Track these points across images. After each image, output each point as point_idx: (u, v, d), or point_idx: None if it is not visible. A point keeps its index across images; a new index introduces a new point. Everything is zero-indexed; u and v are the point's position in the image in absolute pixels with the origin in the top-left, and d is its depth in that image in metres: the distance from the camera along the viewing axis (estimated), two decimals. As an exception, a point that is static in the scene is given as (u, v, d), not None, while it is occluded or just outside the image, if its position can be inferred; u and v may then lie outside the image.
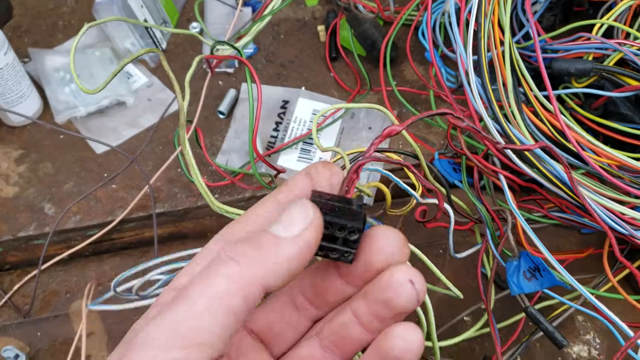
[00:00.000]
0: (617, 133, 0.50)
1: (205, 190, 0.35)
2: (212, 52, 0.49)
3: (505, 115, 0.46)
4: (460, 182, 0.50)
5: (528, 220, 0.48)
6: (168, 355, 0.21)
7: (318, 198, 0.24)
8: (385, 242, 0.25)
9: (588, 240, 0.54)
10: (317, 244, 0.23)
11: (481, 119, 0.46)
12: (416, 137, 0.59)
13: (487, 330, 0.50)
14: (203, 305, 0.21)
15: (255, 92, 0.41)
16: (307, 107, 0.60)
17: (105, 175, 0.58)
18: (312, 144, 0.58)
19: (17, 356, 0.48)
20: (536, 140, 0.44)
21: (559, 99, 0.54)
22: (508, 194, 0.44)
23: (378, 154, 0.28)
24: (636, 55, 0.49)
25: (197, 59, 0.50)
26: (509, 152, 0.44)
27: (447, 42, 0.60)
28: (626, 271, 0.50)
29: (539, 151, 0.43)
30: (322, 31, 0.66)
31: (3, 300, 0.53)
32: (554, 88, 0.54)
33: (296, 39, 0.67)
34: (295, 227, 0.23)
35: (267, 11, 0.55)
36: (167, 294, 0.24)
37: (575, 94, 0.54)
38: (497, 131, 0.44)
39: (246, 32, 0.55)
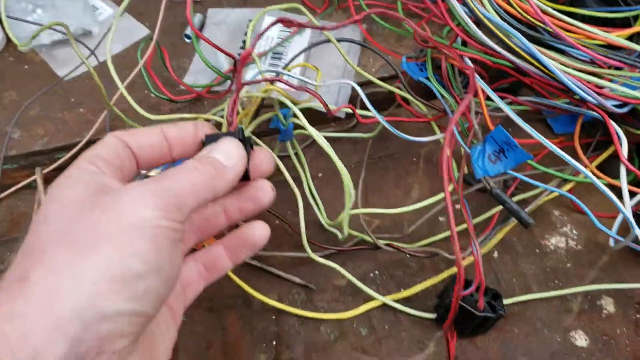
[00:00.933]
0: (588, 22, 0.50)
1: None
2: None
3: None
4: (427, 78, 0.50)
5: (496, 108, 0.48)
6: (155, 202, 0.27)
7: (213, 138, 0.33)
8: (261, 161, 0.36)
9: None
10: (243, 172, 0.33)
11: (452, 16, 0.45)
12: (388, 50, 0.58)
13: (464, 226, 0.50)
14: (187, 188, 0.28)
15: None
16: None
17: (73, 100, 0.57)
18: (280, 58, 0.57)
19: (-16, 273, 0.47)
20: (504, 20, 0.44)
21: None
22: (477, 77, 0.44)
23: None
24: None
25: None
26: (478, 32, 0.44)
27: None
28: (598, 160, 0.50)
29: (507, 27, 0.43)
30: (289, -43, 0.65)
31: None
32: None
33: (263, -34, 0.66)
34: (233, 160, 0.32)
35: None
36: (92, 160, 0.30)
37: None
38: (465, 13, 0.44)
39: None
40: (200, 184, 0.29)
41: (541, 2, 0.51)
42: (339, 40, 0.47)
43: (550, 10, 0.45)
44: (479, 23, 0.44)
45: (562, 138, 0.52)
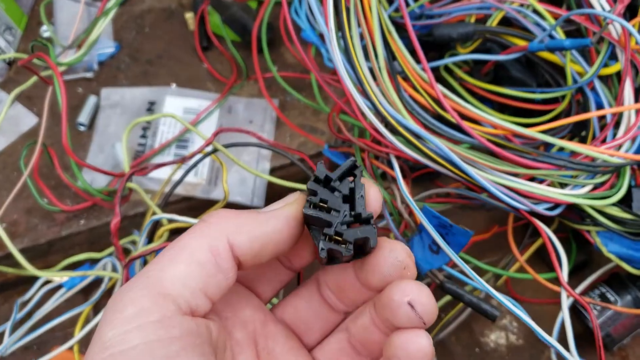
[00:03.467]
0: (510, 99, 0.46)
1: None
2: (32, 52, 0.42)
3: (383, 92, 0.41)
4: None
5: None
6: (139, 306, 0.21)
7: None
8: (384, 260, 0.25)
9: (496, 216, 0.50)
10: (296, 220, 0.24)
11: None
12: (302, 127, 0.53)
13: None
14: (167, 258, 0.23)
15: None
16: (177, 106, 0.53)
17: (-50, 213, 0.50)
18: (186, 146, 0.51)
19: None
20: (414, 117, 0.39)
21: (447, 69, 0.49)
22: (397, 167, 0.39)
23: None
24: (518, 12, 0.45)
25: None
26: (391, 137, 0.39)
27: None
28: (536, 245, 0.47)
29: (419, 129, 0.38)
30: (191, 19, 0.59)
31: None
32: (441, 56, 0.49)
33: (163, 31, 0.59)
34: (277, 205, 0.25)
35: (109, 4, 0.47)
36: None
37: (465, 61, 0.49)
38: (368, 108, 0.39)
39: (88, 33, 0.47)
40: (202, 240, 0.23)
41: (464, 77, 0.47)
42: (247, 145, 0.42)
43: (454, 97, 0.41)
44: (389, 125, 0.39)
45: (496, 226, 0.48)
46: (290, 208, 0.24)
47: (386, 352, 0.24)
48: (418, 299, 0.23)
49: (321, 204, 0.24)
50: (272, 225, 0.24)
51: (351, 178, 0.25)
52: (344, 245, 0.24)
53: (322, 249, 0.23)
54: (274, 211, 0.24)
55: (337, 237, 0.24)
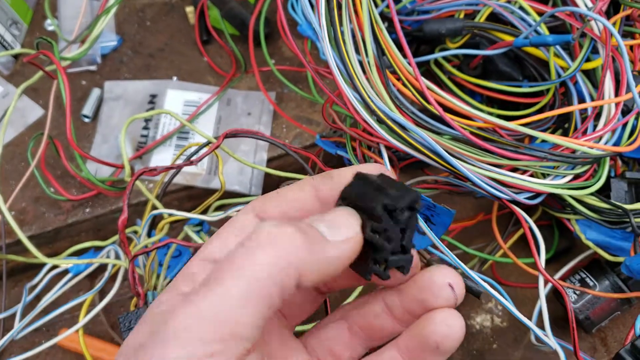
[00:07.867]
0: (497, 92, 0.48)
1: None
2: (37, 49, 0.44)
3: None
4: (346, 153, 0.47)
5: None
6: (205, 349, 0.20)
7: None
8: (438, 291, 0.26)
9: (483, 203, 0.52)
10: (353, 258, 0.24)
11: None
12: (299, 119, 0.55)
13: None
14: (239, 293, 0.21)
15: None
16: (177, 99, 0.55)
17: (-38, 202, 0.52)
18: (187, 138, 0.53)
19: None
20: (401, 110, 0.41)
21: (437, 63, 0.51)
22: (385, 157, 0.41)
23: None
24: (504, 8, 0.46)
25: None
26: (375, 125, 0.41)
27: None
28: (519, 233, 0.49)
29: (404, 121, 0.40)
30: (191, 12, 0.61)
31: None
32: (432, 51, 0.51)
33: (165, 25, 0.61)
34: (340, 234, 0.23)
35: (110, 2, 0.49)
36: (199, 266, 0.24)
37: (455, 55, 0.51)
38: (357, 101, 0.41)
39: (91, 29, 0.49)
40: (275, 269, 0.21)
41: (452, 71, 0.49)
42: (245, 136, 0.44)
43: (438, 90, 0.43)
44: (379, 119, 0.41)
45: (482, 213, 0.50)
46: (352, 247, 0.24)
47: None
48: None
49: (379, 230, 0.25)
50: (338, 265, 0.23)
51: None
52: (384, 270, 0.25)
53: (370, 272, 0.24)
54: (341, 246, 0.23)
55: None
